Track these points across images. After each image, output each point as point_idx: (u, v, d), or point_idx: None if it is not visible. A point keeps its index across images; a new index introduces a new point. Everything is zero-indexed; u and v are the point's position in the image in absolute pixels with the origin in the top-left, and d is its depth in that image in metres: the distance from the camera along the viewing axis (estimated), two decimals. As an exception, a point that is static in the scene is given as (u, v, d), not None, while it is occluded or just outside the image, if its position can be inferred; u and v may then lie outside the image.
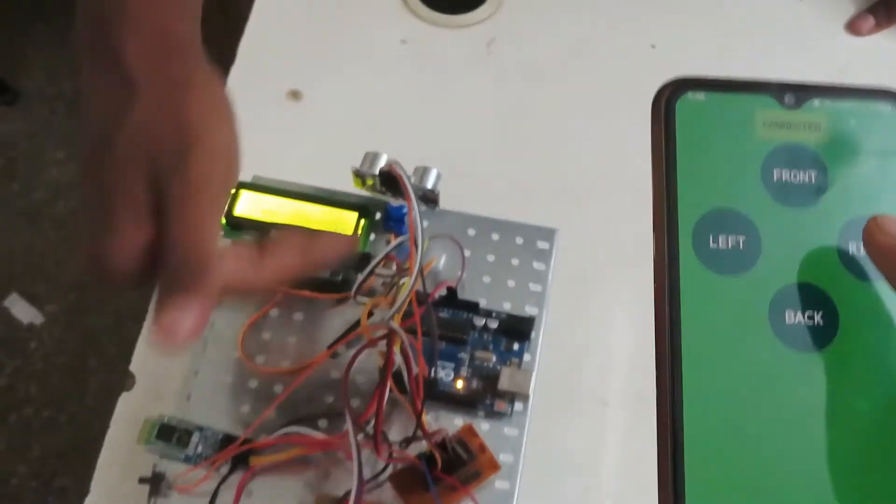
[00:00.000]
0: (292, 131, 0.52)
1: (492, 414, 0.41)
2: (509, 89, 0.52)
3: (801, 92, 0.24)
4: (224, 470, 0.39)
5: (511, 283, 0.44)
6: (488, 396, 0.41)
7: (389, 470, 0.39)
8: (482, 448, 0.39)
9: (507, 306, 0.43)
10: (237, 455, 0.39)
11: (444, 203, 0.45)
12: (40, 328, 1.26)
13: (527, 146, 0.50)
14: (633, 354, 0.41)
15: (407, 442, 0.37)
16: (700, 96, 0.24)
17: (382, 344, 0.37)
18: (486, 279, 0.44)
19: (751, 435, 0.21)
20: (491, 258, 0.44)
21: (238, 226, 0.44)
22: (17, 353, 1.24)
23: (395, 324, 0.36)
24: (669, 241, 0.22)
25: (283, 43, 0.55)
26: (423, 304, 0.39)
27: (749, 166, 0.24)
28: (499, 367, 0.41)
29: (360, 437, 0.36)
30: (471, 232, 0.45)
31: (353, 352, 0.41)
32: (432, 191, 0.43)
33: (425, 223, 0.46)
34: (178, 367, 0.45)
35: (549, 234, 0.45)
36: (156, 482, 0.39)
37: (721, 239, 0.23)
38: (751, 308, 0.22)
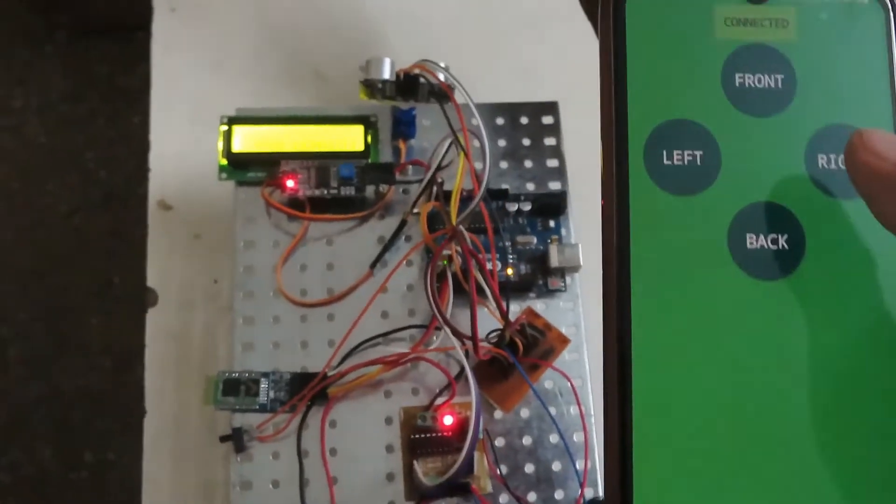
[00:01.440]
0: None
1: (545, 293, 0.42)
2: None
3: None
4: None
5: (528, 164, 0.44)
6: (540, 277, 0.42)
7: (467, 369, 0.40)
8: (547, 326, 0.41)
9: (531, 187, 0.44)
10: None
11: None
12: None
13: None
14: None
15: (496, 335, 0.38)
16: None
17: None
18: (504, 164, 0.44)
19: (708, 374, 0.20)
20: (502, 143, 0.44)
21: (241, 163, 0.42)
22: None
23: (462, 227, 0.36)
24: (619, 158, 0.20)
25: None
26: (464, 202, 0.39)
27: (708, 71, 0.21)
28: (541, 248, 0.42)
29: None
30: (474, 122, 0.44)
31: (393, 266, 0.41)
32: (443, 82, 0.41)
33: (426, 122, 0.45)
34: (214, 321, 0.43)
35: (551, 107, 0.45)
36: (238, 438, 0.38)
37: (676, 154, 0.21)
38: (708, 231, 0.20)
